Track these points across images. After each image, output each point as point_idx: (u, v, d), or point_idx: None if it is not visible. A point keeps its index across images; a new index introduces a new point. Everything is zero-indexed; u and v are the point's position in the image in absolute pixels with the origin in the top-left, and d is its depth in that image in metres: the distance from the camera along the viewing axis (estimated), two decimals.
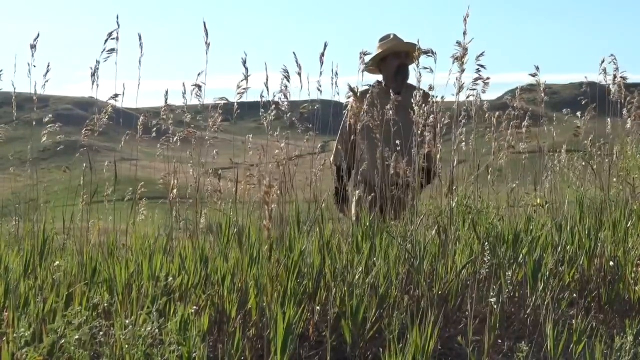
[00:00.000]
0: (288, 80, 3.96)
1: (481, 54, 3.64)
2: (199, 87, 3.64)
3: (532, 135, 4.69)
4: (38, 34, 3.65)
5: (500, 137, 4.50)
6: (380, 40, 5.47)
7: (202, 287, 3.20)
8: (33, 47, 3.61)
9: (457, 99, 3.78)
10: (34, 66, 3.62)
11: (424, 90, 4.47)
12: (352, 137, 4.67)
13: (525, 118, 4.59)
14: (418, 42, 4.11)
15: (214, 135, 3.79)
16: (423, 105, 4.03)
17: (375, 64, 5.33)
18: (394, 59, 5.29)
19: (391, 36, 5.45)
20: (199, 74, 3.62)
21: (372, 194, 4.25)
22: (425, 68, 3.78)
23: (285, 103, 4.10)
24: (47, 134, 3.71)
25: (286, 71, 3.96)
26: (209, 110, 3.77)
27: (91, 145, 3.73)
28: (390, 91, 4.30)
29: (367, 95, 4.23)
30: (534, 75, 4.19)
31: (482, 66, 3.64)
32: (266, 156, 4.06)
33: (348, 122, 4.60)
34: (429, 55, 3.78)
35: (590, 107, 4.66)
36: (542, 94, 4.37)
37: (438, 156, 4.04)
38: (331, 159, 5.19)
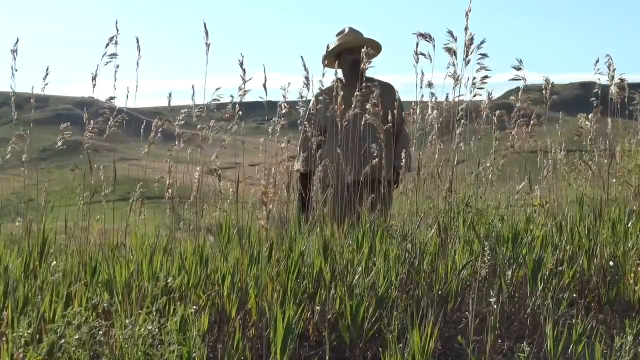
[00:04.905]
0: (307, 88, 4.02)
1: (482, 42, 3.51)
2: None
3: (537, 135, 4.68)
4: (17, 39, 3.70)
5: (503, 136, 4.50)
6: (337, 34, 5.34)
7: (202, 287, 3.20)
8: (14, 51, 3.66)
9: (453, 96, 3.75)
10: (16, 70, 3.68)
11: (380, 82, 4.44)
12: (316, 138, 4.50)
13: (530, 118, 4.58)
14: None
15: (223, 137, 3.80)
16: (376, 96, 4.00)
17: (332, 60, 5.18)
18: (348, 54, 5.15)
19: (346, 30, 5.31)
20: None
21: (373, 195, 4.25)
22: (423, 54, 3.70)
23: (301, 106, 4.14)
24: (62, 139, 3.72)
25: (307, 78, 4.00)
26: (210, 110, 3.78)
27: (92, 146, 3.74)
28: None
29: (329, 93, 4.21)
30: (517, 69, 4.03)
31: (484, 55, 3.56)
32: (265, 155, 4.07)
33: (311, 125, 4.48)
34: (427, 41, 3.68)
35: (597, 109, 4.63)
36: (545, 95, 4.36)
37: (407, 153, 4.05)
38: (297, 166, 4.98)
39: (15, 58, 3.65)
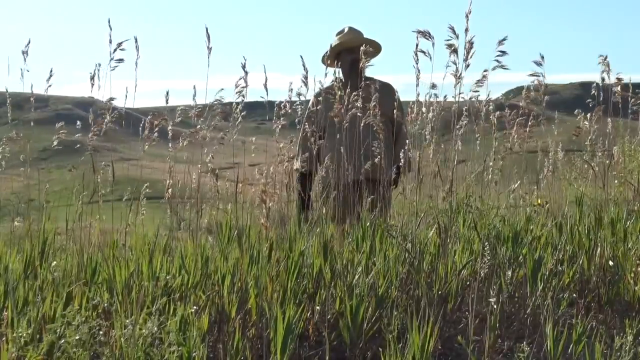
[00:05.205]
0: (307, 88, 4.02)
1: (504, 39, 3.46)
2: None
3: (536, 135, 4.68)
4: (29, 41, 3.70)
5: (503, 137, 4.49)
6: (337, 34, 5.31)
7: (202, 287, 3.20)
8: (25, 53, 3.66)
9: (454, 95, 3.73)
10: (27, 71, 3.68)
11: (380, 82, 4.43)
12: (316, 140, 4.40)
13: (529, 118, 4.57)
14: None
15: (222, 136, 3.80)
16: (376, 96, 3.98)
17: (332, 60, 5.16)
18: (348, 54, 5.12)
19: (346, 30, 5.27)
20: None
21: (372, 197, 4.24)
22: (423, 52, 3.68)
23: (299, 105, 4.14)
24: (58, 138, 3.72)
25: (305, 78, 4.00)
26: (209, 110, 3.77)
27: (93, 146, 3.73)
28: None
29: (329, 93, 4.20)
30: (539, 64, 3.99)
31: (503, 52, 3.51)
32: (266, 156, 4.07)
33: (311, 124, 4.45)
34: (427, 39, 3.65)
35: (599, 108, 4.62)
36: (542, 93, 4.35)
37: (407, 153, 4.05)
38: (296, 165, 4.89)
39: (25, 59, 3.66)
